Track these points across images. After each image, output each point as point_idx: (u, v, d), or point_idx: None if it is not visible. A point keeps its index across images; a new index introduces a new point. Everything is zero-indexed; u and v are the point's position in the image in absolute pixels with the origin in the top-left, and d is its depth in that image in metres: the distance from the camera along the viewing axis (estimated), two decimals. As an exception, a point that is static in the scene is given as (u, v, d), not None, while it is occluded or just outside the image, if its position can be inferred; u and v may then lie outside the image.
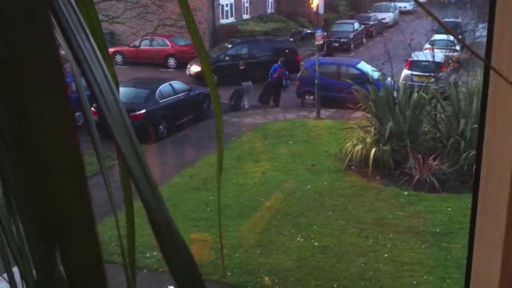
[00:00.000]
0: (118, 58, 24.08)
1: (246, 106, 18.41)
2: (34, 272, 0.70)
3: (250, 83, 18.77)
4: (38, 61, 0.37)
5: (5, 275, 0.75)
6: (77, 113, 0.60)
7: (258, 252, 9.34)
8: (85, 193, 0.39)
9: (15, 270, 0.78)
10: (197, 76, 20.61)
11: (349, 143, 12.86)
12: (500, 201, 1.25)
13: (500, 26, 1.19)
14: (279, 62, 19.37)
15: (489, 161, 1.27)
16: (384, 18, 33.52)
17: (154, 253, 8.86)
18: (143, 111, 15.00)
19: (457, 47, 18.44)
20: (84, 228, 0.39)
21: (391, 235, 9.78)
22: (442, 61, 17.55)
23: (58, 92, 0.38)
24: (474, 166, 1.40)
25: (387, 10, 35.29)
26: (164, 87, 16.84)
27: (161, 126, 15.72)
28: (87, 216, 0.39)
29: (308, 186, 11.85)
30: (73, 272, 0.39)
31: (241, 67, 19.98)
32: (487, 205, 1.29)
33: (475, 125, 11.70)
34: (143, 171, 0.48)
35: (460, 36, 20.54)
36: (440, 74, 16.63)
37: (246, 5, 30.86)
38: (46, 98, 0.38)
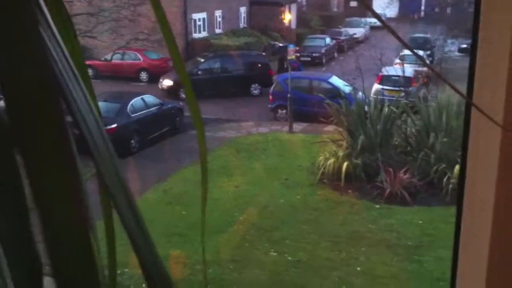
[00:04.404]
0: (89, 72, 23.81)
1: None
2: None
3: None
4: (46, 138, 0.37)
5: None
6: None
7: (231, 267, 9.28)
8: (88, 246, 0.39)
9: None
10: (170, 90, 20.55)
11: (322, 157, 12.92)
12: (482, 235, 1.24)
13: (482, 62, 1.19)
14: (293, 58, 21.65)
15: (471, 197, 1.27)
16: (355, 33, 33.92)
17: (126, 270, 8.73)
18: (115, 125, 14.84)
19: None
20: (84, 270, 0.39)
21: (363, 248, 9.82)
22: (412, 76, 17.85)
23: (66, 167, 0.38)
24: (458, 178, 1.40)
25: (358, 25, 35.73)
26: (136, 101, 16.74)
27: (133, 141, 15.57)
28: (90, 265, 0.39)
29: (281, 200, 11.85)
30: None
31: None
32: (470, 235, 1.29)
33: (445, 139, 11.89)
34: (125, 195, 0.48)
35: (429, 52, 20.93)
36: (410, 88, 16.89)
37: (219, 19, 30.93)
38: (54, 173, 0.38)
